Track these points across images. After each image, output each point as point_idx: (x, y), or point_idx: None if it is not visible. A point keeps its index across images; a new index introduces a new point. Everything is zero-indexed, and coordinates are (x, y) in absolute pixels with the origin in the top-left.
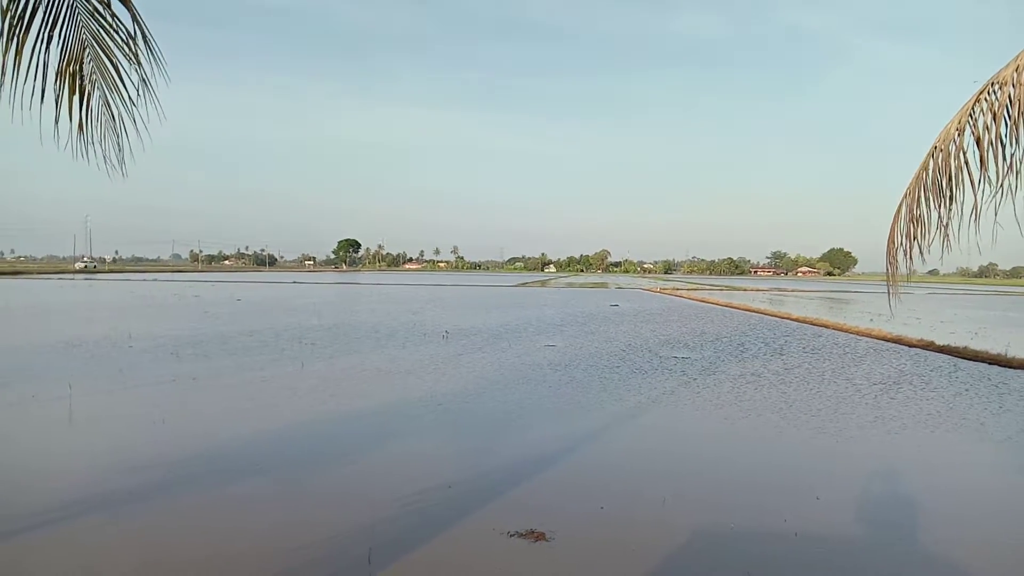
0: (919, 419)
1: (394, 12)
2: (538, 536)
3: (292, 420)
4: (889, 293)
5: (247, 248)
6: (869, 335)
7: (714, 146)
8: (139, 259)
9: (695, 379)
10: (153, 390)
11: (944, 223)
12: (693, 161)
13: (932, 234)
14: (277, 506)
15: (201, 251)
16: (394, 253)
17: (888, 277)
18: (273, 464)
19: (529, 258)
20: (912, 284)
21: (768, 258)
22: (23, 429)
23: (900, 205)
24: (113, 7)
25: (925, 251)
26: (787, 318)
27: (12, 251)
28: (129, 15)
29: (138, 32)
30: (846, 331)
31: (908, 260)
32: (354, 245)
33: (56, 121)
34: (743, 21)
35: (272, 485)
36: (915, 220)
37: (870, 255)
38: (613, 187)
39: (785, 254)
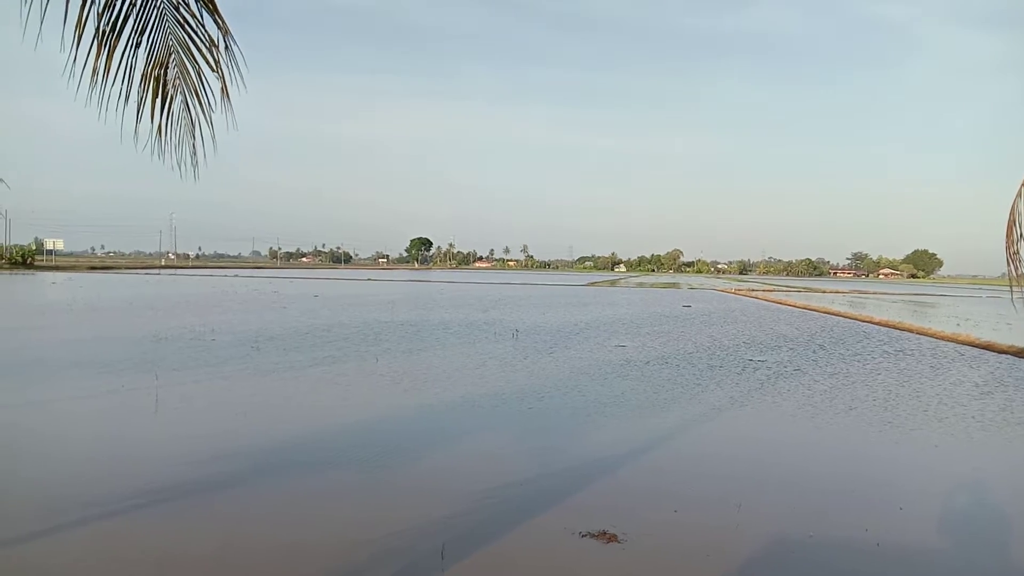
0: (1012, 428)
1: (461, 10)
2: (610, 537)
3: (367, 415)
4: (1012, 293)
5: (323, 245)
6: (955, 340)
7: (789, 142)
8: (221, 255)
9: (772, 382)
10: (235, 382)
11: None
12: (768, 157)
13: None
14: (353, 498)
15: (280, 248)
16: (464, 251)
17: (1009, 277)
18: (349, 457)
19: (599, 257)
20: (1002, 287)
21: (848, 259)
22: (113, 417)
23: (1015, 203)
24: (200, 15)
25: None
26: (868, 321)
27: (102, 246)
28: (214, 23)
29: (221, 39)
30: (931, 336)
31: None
32: (426, 244)
33: (137, 123)
34: (817, 13)
35: (348, 478)
36: None
37: (956, 257)
38: (685, 185)
39: (866, 255)
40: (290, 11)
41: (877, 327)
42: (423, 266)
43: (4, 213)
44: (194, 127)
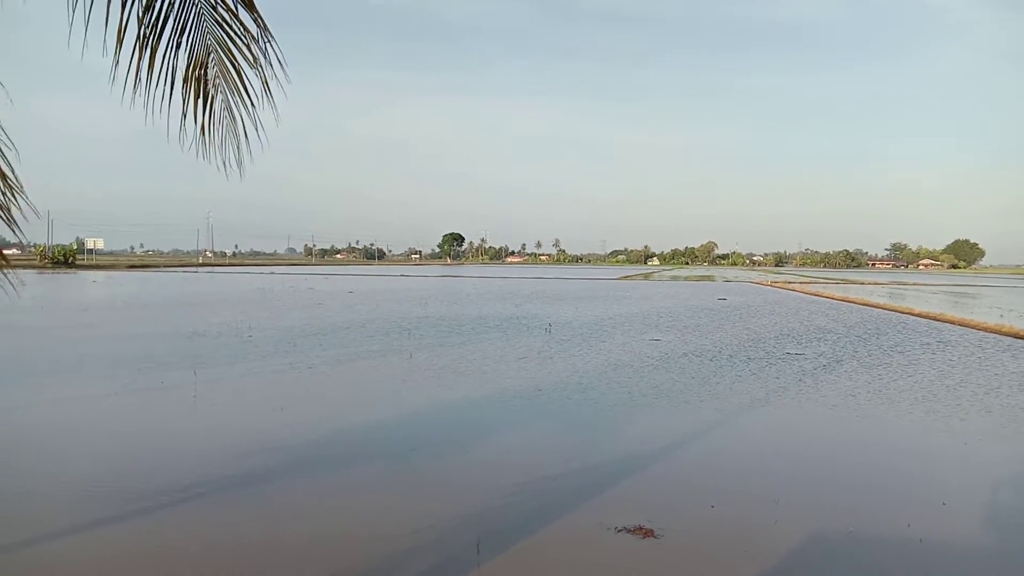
0: None
1: (494, 6)
2: (646, 533)
3: (402, 409)
4: None
5: (357, 242)
6: (999, 331)
7: (825, 133)
8: (257, 253)
9: (810, 375)
10: (271, 378)
11: None
12: (804, 148)
13: None
14: (388, 492)
15: (314, 245)
16: (496, 246)
17: None
18: (384, 451)
19: (631, 251)
20: None
21: (887, 250)
22: (153, 412)
23: None
24: (239, 13)
25: None
26: (908, 313)
27: (142, 245)
28: (253, 20)
29: (260, 36)
30: (974, 327)
31: None
32: (458, 239)
33: (182, 124)
34: (853, 2)
35: (383, 472)
36: None
37: (999, 246)
38: (720, 177)
39: (905, 246)
40: (319, 8)
41: (917, 318)
42: (455, 261)
43: (47, 214)
44: (236, 125)
